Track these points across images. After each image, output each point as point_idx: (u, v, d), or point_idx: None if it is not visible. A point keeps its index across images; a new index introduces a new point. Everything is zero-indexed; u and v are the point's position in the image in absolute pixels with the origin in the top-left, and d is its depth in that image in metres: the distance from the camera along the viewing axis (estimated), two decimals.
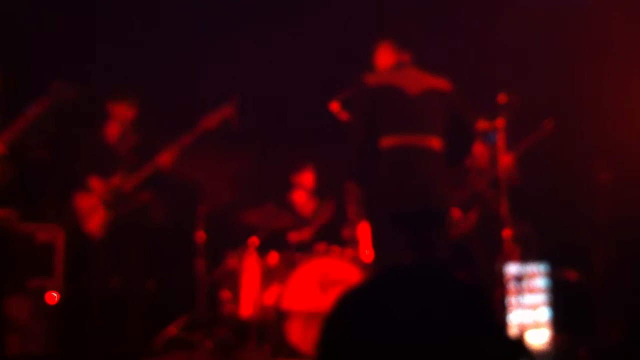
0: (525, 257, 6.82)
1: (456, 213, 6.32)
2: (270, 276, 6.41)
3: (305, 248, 6.74)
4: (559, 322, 6.81)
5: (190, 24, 7.64)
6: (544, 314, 6.82)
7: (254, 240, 6.60)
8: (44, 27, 7.05)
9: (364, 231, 6.26)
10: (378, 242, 4.85)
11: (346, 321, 1.41)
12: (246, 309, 6.39)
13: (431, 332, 1.30)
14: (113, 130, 6.19)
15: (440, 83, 4.94)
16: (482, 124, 6.51)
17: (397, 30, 5.07)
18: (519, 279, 6.69)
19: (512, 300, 6.59)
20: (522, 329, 6.50)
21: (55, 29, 7.05)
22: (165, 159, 6.00)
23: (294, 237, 7.02)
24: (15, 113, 5.45)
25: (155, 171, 6.00)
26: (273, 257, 6.50)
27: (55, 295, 6.00)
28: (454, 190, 6.21)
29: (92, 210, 5.91)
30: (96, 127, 6.17)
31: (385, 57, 5.03)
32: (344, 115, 5.55)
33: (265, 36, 7.63)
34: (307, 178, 7.31)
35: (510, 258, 6.15)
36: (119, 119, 6.17)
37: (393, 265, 4.58)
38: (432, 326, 1.30)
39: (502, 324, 5.33)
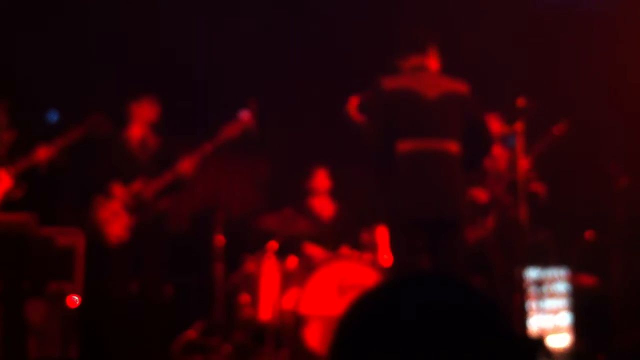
0: (545, 261, 6.79)
1: (474, 218, 6.30)
2: (289, 280, 6.41)
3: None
4: (579, 327, 6.77)
5: (207, 28, 7.66)
6: (565, 318, 6.78)
7: (273, 245, 6.60)
8: (65, 29, 7.10)
9: (382, 235, 6.26)
10: (395, 246, 4.85)
11: (359, 325, 1.41)
12: (265, 313, 6.39)
13: (444, 339, 1.30)
14: (135, 133, 6.19)
15: (458, 86, 4.92)
16: (499, 127, 6.49)
17: (413, 35, 5.06)
18: (539, 283, 6.66)
19: (532, 305, 6.56)
20: (543, 333, 6.47)
21: (75, 33, 7.11)
22: (187, 166, 6.01)
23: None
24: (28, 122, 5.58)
25: (176, 178, 6.02)
26: (292, 261, 6.50)
27: (76, 298, 6.03)
28: (471, 194, 6.19)
29: (114, 216, 5.92)
30: (117, 130, 6.16)
31: (403, 62, 5.02)
32: (360, 119, 5.54)
33: (281, 40, 7.65)
34: (321, 182, 7.26)
35: (529, 263, 6.13)
36: (141, 120, 6.18)
37: (409, 270, 4.57)
38: (445, 333, 1.30)
39: (520, 331, 5.31)
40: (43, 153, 5.66)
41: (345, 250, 6.51)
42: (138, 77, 7.12)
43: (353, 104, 5.59)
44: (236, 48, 7.66)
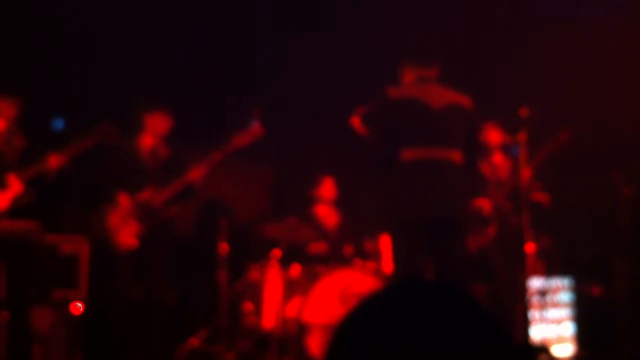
0: (549, 271, 6.79)
1: (476, 227, 6.31)
2: (292, 288, 6.42)
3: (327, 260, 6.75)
4: (583, 337, 6.77)
5: (216, 39, 7.68)
6: (568, 328, 6.78)
7: (277, 253, 6.62)
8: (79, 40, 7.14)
9: (386, 244, 6.27)
10: (397, 251, 4.87)
11: (356, 332, 1.42)
12: (268, 321, 6.40)
13: (440, 350, 1.31)
14: (146, 142, 6.21)
15: (462, 99, 4.97)
16: (501, 137, 6.51)
17: (418, 47, 5.09)
18: (543, 293, 6.66)
19: (535, 314, 6.56)
20: (546, 343, 6.46)
21: (87, 43, 7.14)
22: (196, 174, 6.04)
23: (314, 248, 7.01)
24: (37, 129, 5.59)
25: (186, 186, 6.04)
26: (295, 270, 6.51)
27: (80, 305, 6.05)
28: (474, 204, 6.21)
29: (123, 223, 5.93)
30: (126, 139, 6.18)
31: (408, 74, 5.06)
32: (363, 130, 5.57)
33: (287, 49, 7.67)
34: (326, 191, 7.29)
35: (533, 272, 6.13)
36: (153, 131, 6.20)
37: (409, 279, 4.58)
38: (441, 345, 1.31)
39: (522, 340, 5.32)
40: (54, 161, 5.66)
41: (347, 249, 6.54)
42: (147, 85, 7.15)
43: (359, 114, 5.63)
44: (244, 56, 7.69)
